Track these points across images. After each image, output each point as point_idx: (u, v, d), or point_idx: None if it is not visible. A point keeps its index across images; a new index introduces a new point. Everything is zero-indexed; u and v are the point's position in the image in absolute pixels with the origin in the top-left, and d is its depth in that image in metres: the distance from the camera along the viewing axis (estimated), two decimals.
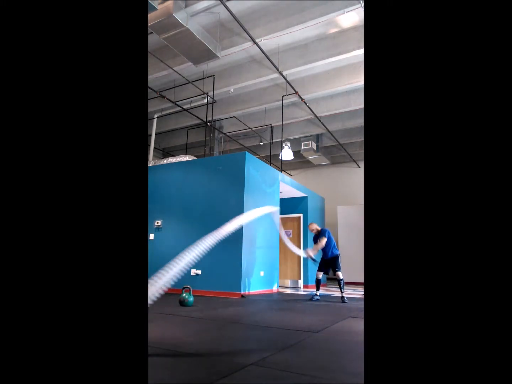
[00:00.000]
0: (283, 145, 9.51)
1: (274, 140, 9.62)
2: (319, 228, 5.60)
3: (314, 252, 5.38)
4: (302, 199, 8.74)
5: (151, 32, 5.65)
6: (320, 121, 8.53)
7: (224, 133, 9.74)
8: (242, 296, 5.51)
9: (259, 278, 6.16)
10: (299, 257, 8.45)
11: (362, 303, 4.98)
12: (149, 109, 8.76)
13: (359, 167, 11.67)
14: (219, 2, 5.11)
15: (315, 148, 10.01)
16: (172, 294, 5.39)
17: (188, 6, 5.42)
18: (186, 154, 8.93)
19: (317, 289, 5.45)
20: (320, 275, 5.45)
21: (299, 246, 8.50)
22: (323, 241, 5.31)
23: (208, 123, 8.15)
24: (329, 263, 5.41)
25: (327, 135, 9.89)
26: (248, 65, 7.29)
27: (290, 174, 12.11)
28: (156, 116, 9.08)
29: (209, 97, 7.80)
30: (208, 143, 9.49)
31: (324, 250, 5.41)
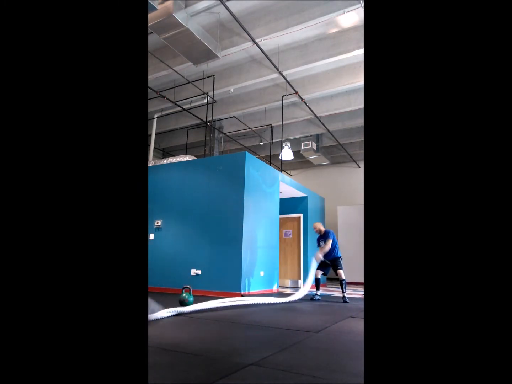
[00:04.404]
0: (283, 145, 9.51)
1: (274, 140, 9.62)
2: (323, 229, 5.57)
3: (321, 254, 5.38)
4: (302, 199, 8.74)
5: (151, 32, 5.65)
6: (320, 121, 8.53)
7: (224, 133, 9.74)
8: (242, 296, 5.51)
9: (259, 278, 6.15)
10: (299, 257, 8.45)
11: (362, 303, 4.98)
12: (149, 109, 8.76)
13: (359, 167, 11.67)
14: (219, 2, 5.11)
15: (315, 148, 10.01)
16: (172, 294, 5.39)
17: (188, 6, 5.42)
18: (186, 154, 8.94)
19: (317, 288, 5.46)
20: (319, 274, 5.45)
21: (299, 247, 8.50)
22: (329, 243, 5.31)
23: (208, 123, 8.15)
24: (328, 263, 5.42)
25: (327, 135, 9.89)
26: (248, 65, 7.29)
27: (290, 174, 12.11)
28: (156, 116, 9.08)
29: (209, 97, 7.80)
30: (208, 143, 9.49)
31: (326, 252, 5.42)
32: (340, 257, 5.46)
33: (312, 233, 8.68)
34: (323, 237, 5.50)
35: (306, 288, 5.33)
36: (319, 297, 5.34)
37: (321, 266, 5.45)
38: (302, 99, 7.72)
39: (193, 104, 8.18)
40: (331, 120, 9.10)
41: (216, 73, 7.57)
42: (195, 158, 7.34)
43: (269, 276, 6.55)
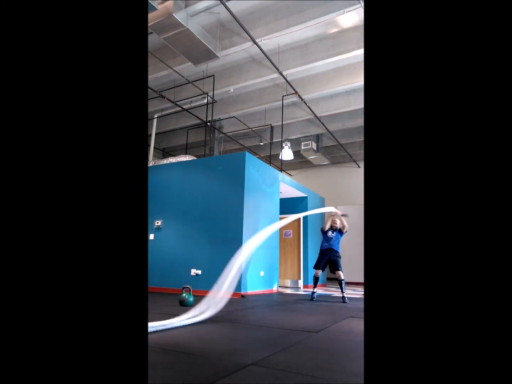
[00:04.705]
0: (283, 145, 9.51)
1: (274, 140, 9.62)
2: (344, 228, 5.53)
3: (340, 219, 5.49)
4: (302, 199, 8.74)
5: (151, 32, 5.65)
6: (320, 121, 8.53)
7: (224, 133, 9.73)
8: (242, 296, 5.51)
9: (259, 278, 6.16)
10: (299, 257, 8.45)
11: (362, 303, 4.98)
12: (149, 109, 8.76)
13: (359, 167, 11.67)
14: (219, 2, 5.11)
15: (315, 148, 10.01)
16: (172, 294, 5.39)
17: (188, 6, 5.42)
18: (186, 154, 8.93)
19: (314, 286, 5.43)
20: (319, 273, 5.42)
21: (299, 247, 8.50)
22: (346, 227, 5.42)
23: (208, 123, 8.15)
24: (328, 255, 5.38)
25: (327, 135, 9.89)
26: (248, 65, 7.29)
27: (290, 174, 12.11)
28: (156, 116, 9.08)
29: (209, 97, 7.80)
30: (208, 143, 9.49)
31: (330, 240, 5.41)
32: (339, 255, 5.44)
33: (312, 233, 8.69)
34: (333, 230, 5.50)
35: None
36: (316, 294, 5.35)
37: (321, 261, 5.41)
38: (302, 99, 7.72)
39: (193, 104, 8.18)
40: (331, 120, 9.10)
41: (216, 73, 7.57)
42: (195, 158, 7.35)
43: (269, 276, 6.55)
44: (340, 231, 5.49)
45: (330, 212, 5.59)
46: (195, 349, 2.10)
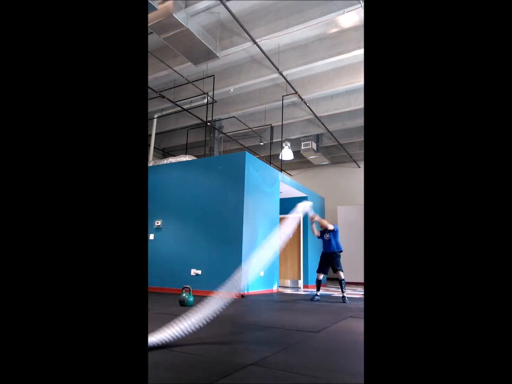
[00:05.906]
0: (283, 145, 9.51)
1: (274, 140, 9.62)
2: (329, 226, 5.42)
3: (318, 220, 5.42)
4: (302, 199, 8.73)
5: (151, 32, 5.65)
6: (320, 121, 8.53)
7: (224, 133, 9.73)
8: (242, 296, 5.51)
9: (259, 278, 6.15)
10: (299, 257, 8.45)
11: (362, 303, 4.98)
12: (149, 109, 8.75)
13: (359, 167, 11.67)
14: (219, 2, 5.11)
15: (315, 148, 10.01)
16: (172, 294, 5.39)
17: (188, 6, 5.42)
18: (186, 154, 8.94)
19: (318, 289, 5.47)
20: (321, 276, 5.45)
21: (299, 247, 8.50)
22: (330, 226, 5.35)
23: (208, 123, 8.15)
24: (328, 259, 5.38)
25: (327, 135, 9.89)
26: (248, 65, 7.29)
27: (290, 174, 12.11)
28: (156, 116, 9.08)
29: (209, 97, 7.80)
30: (208, 143, 9.49)
31: (328, 244, 5.38)
32: (340, 252, 5.40)
33: (312, 233, 8.68)
34: (327, 231, 5.44)
35: None
36: (319, 298, 5.35)
37: (322, 265, 5.43)
38: (302, 99, 7.72)
39: (193, 104, 8.17)
40: (331, 120, 9.10)
41: (216, 73, 7.57)
42: (195, 158, 7.34)
43: (269, 276, 6.55)
44: (332, 231, 5.45)
45: (311, 218, 5.49)
46: (195, 349, 2.10)
